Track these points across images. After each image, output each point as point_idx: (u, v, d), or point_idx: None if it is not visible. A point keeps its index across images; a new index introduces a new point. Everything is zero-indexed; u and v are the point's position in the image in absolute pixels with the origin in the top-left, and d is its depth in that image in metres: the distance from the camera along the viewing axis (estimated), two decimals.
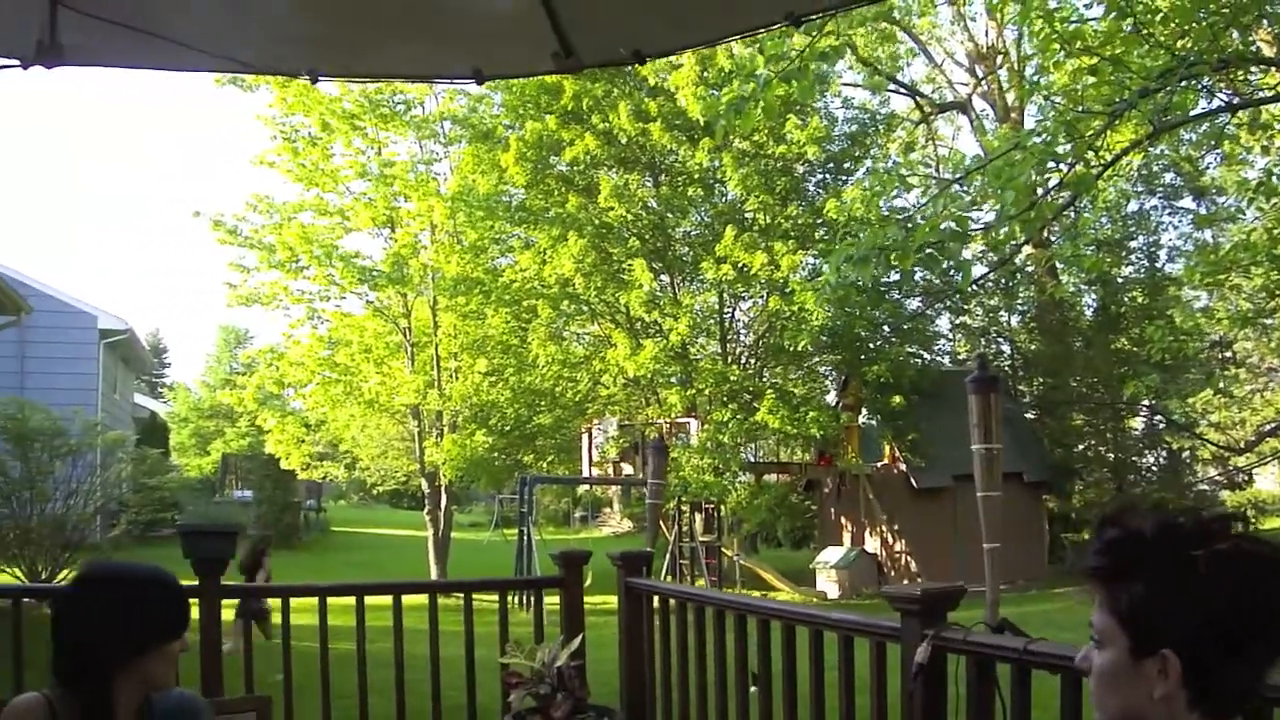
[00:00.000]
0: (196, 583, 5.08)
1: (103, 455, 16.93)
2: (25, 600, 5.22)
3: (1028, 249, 25.96)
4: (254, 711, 2.99)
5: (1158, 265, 25.44)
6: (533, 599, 6.00)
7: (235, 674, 5.17)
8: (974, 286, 25.87)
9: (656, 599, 5.44)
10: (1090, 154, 6.19)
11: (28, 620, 5.06)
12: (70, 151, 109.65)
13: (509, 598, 5.84)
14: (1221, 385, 23.48)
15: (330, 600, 5.48)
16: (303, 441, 23.12)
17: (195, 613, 5.04)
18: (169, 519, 18.99)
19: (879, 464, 23.99)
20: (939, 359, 27.06)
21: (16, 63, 2.60)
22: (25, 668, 4.88)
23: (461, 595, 5.75)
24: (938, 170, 24.69)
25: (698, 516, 21.91)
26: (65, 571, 15.05)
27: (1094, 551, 1.72)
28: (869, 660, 3.67)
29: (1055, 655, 2.88)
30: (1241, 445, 24.34)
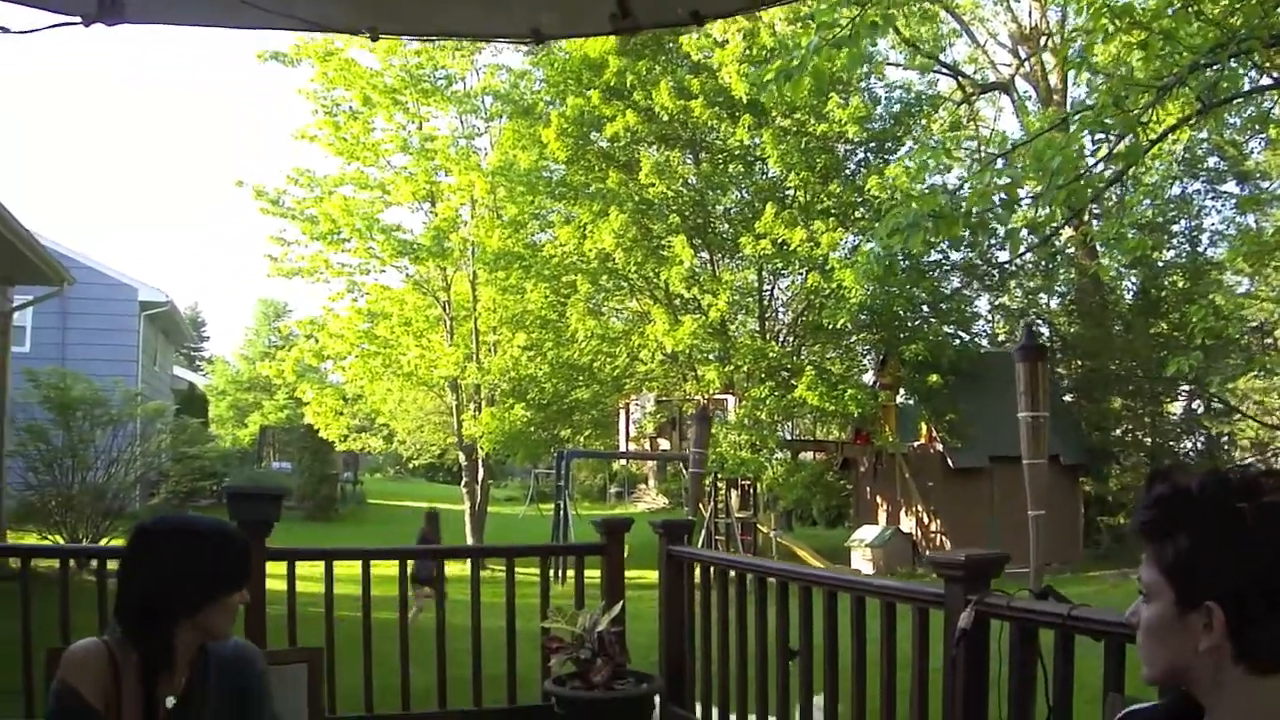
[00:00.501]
0: None
1: (143, 425, 17.11)
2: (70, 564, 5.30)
3: (1068, 230, 25.78)
4: (305, 663, 3.03)
5: (1199, 249, 25.17)
6: (571, 570, 6.03)
7: (279, 637, 5.23)
8: (1013, 266, 25.72)
9: (698, 567, 5.47)
10: (1139, 128, 6.13)
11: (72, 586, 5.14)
12: (112, 126, 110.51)
13: (549, 571, 5.87)
14: (1262, 369, 23.23)
15: (373, 569, 5.54)
16: (341, 413, 23.27)
17: None
18: (208, 488, 19.17)
19: (916, 444, 23.91)
20: (978, 339, 26.92)
21: (79, 19, 2.63)
22: (71, 632, 4.96)
23: (503, 568, 5.79)
24: (980, 150, 24.44)
25: (734, 493, 21.93)
26: (106, 539, 15.26)
27: (1143, 506, 1.74)
28: (911, 628, 3.68)
29: (1099, 620, 2.89)
30: None
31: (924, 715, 3.64)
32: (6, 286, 14.03)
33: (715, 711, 5.20)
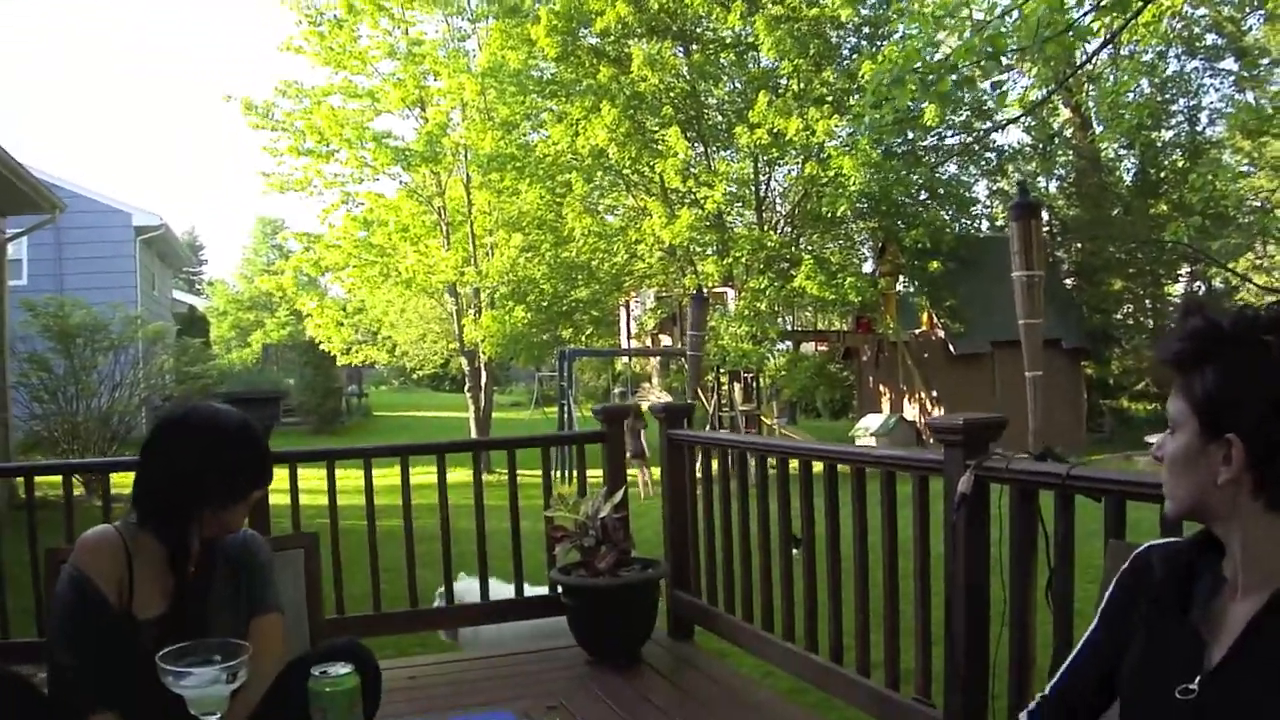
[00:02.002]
0: None
1: (144, 348, 17.08)
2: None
3: (1065, 112, 25.46)
4: (301, 548, 3.05)
5: (1198, 129, 24.89)
6: (574, 460, 6.02)
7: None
8: (1009, 149, 25.46)
9: (699, 449, 5.46)
10: None
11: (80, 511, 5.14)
12: (95, 50, 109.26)
13: (550, 464, 5.85)
14: (1262, 247, 23.12)
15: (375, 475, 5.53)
16: (342, 325, 23.25)
17: None
18: None
19: (917, 331, 23.91)
20: (976, 223, 26.77)
21: None
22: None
23: (506, 471, 5.78)
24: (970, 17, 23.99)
25: (736, 386, 21.95)
26: None
27: (1175, 338, 1.75)
28: (912, 497, 3.67)
29: (1099, 479, 2.87)
30: None
31: (926, 581, 3.64)
32: None
33: (721, 594, 5.22)
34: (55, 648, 2.43)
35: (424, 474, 5.74)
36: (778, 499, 4.68)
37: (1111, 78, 21.41)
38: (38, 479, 15.06)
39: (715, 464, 5.21)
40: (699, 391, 19.67)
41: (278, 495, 5.13)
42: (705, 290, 22.04)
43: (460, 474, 5.90)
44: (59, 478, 14.71)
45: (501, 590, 5.75)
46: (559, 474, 17.72)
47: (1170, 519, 1.83)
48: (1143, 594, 1.83)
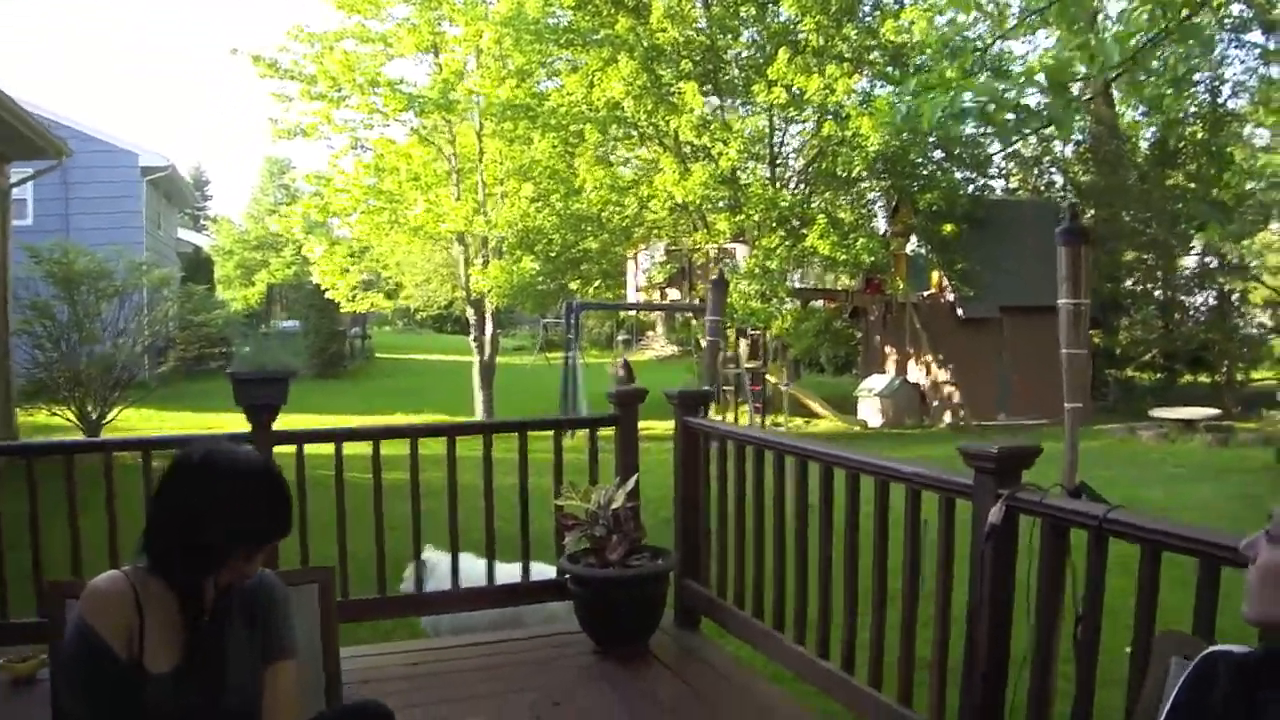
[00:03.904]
0: (249, 430, 5.07)
1: (149, 294, 17.01)
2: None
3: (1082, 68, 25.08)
4: (316, 583, 2.96)
5: (1219, 101, 24.59)
6: (582, 431, 5.93)
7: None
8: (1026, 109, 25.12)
9: (714, 440, 5.37)
10: None
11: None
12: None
13: (562, 446, 5.75)
14: None
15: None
16: (348, 270, 23.14)
17: None
18: (216, 354, 19.17)
19: (926, 293, 23.78)
20: (990, 185, 26.58)
21: None
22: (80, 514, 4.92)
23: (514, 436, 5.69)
24: None
25: (743, 343, 21.88)
26: (115, 409, 15.30)
27: None
28: (937, 514, 3.58)
29: (1137, 526, 2.78)
30: None
31: (946, 607, 3.57)
32: (3, 164, 13.76)
33: (730, 587, 5.15)
34: (63, 696, 2.37)
35: (431, 448, 5.67)
36: (795, 491, 4.59)
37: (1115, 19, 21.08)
38: (39, 418, 15.10)
39: (731, 459, 5.11)
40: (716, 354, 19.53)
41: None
42: (717, 246, 21.93)
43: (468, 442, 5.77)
44: (58, 419, 14.91)
45: (505, 571, 5.67)
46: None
47: (1248, 622, 1.76)
48: (1209, 711, 1.75)
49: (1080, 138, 26.54)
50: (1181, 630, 2.39)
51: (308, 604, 2.91)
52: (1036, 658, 3.11)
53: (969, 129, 24.08)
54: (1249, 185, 20.04)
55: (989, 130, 24.80)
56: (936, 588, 3.55)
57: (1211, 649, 1.83)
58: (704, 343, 18.49)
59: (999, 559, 3.20)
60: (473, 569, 5.58)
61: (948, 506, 3.54)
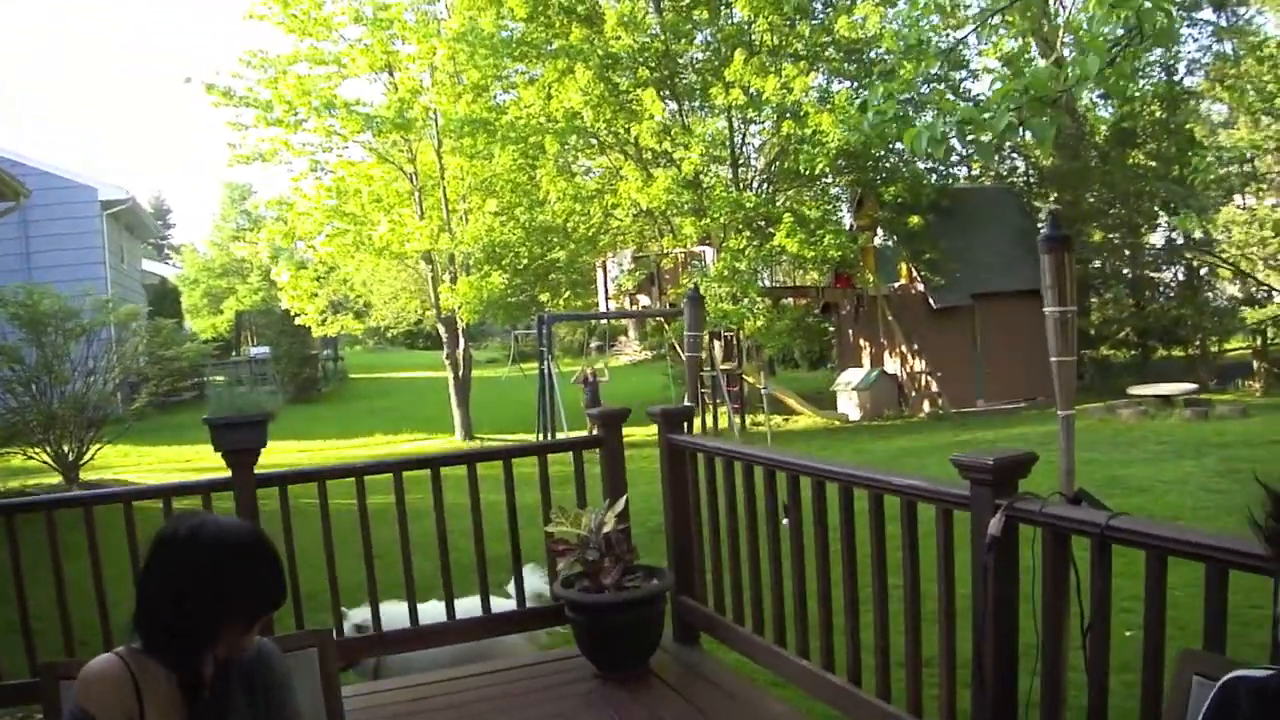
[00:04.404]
0: (230, 474, 5.02)
1: (117, 331, 16.88)
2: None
3: (1042, 60, 25.26)
4: (315, 647, 2.91)
5: (1176, 79, 24.77)
6: (562, 433, 5.90)
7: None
8: (984, 95, 25.23)
9: (701, 456, 5.34)
10: None
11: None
12: (56, 24, 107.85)
13: (547, 469, 5.72)
14: (1241, 199, 23.10)
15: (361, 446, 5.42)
16: (316, 295, 23.06)
17: (231, 504, 4.99)
18: (189, 385, 19.04)
19: (896, 285, 23.85)
20: (953, 174, 26.66)
21: None
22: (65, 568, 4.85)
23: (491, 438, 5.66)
24: None
25: (716, 345, 21.88)
26: (93, 448, 15.18)
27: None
28: (935, 530, 3.55)
29: (1139, 532, 2.75)
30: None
31: (951, 619, 3.54)
32: None
33: (729, 602, 5.12)
34: None
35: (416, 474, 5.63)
36: (786, 505, 4.57)
37: (1086, 25, 21.22)
38: (15, 461, 14.92)
39: (720, 474, 5.08)
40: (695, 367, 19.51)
41: (266, 502, 5.04)
42: (683, 251, 21.91)
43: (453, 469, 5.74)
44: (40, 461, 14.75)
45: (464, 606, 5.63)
46: (541, 436, 17.77)
47: None
48: None
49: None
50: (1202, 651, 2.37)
51: (308, 668, 2.86)
52: (1046, 663, 3.08)
53: (928, 117, 24.34)
54: (1208, 160, 20.14)
55: (946, 118, 25.05)
56: (939, 600, 3.52)
57: (1231, 675, 1.81)
58: (684, 356, 18.45)
59: (1001, 570, 3.18)
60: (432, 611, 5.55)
61: (945, 518, 3.51)
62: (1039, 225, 24.61)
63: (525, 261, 22.29)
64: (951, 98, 21.38)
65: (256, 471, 5.06)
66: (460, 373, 22.14)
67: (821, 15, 21.80)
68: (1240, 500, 1.78)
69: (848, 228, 23.64)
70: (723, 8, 21.75)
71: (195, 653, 2.30)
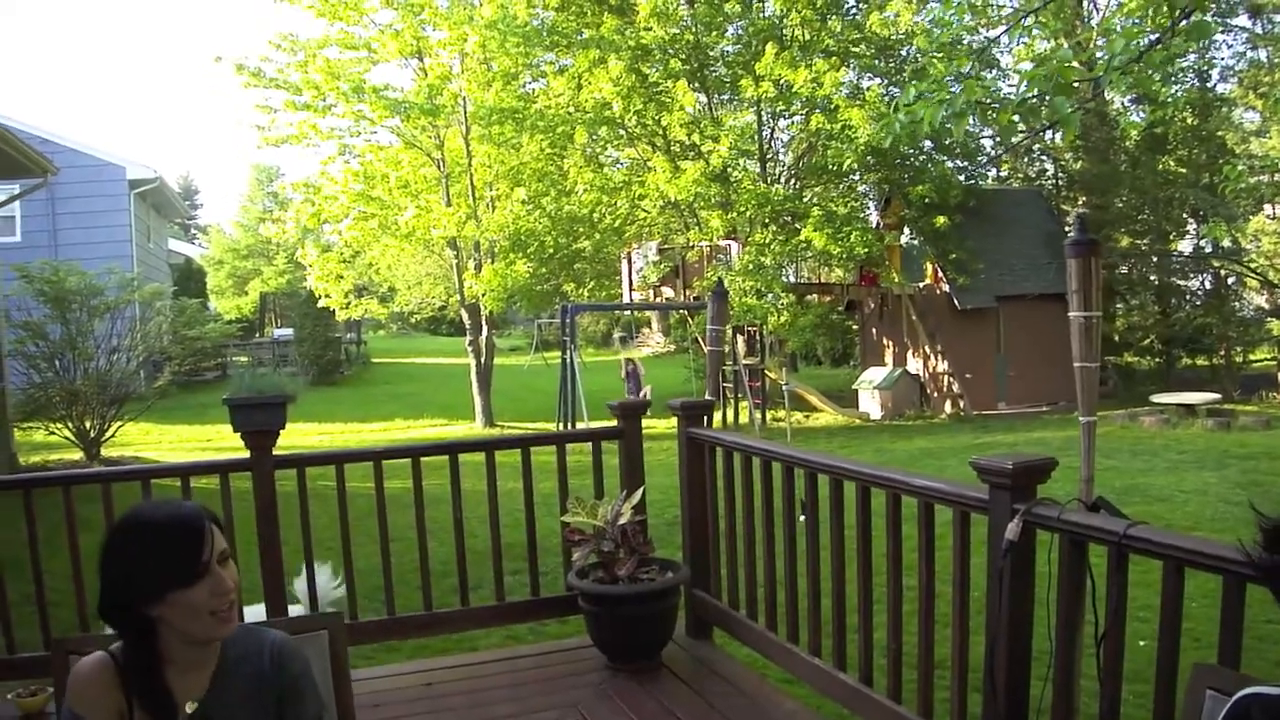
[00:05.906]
0: (248, 455, 5.04)
1: (141, 309, 16.96)
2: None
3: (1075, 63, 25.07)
4: (326, 630, 2.91)
5: (1209, 85, 24.56)
6: (582, 423, 5.90)
7: (292, 526, 5.15)
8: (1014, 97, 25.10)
9: (720, 451, 5.32)
10: None
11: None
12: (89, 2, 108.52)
13: (565, 457, 5.72)
14: (1272, 208, 22.89)
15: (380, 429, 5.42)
16: (341, 277, 23.11)
17: (249, 484, 5.00)
18: (213, 365, 19.11)
19: (921, 284, 23.74)
20: (982, 174, 26.51)
21: None
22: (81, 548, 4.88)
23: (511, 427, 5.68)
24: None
25: (739, 339, 21.82)
26: (115, 425, 15.28)
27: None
28: (952, 533, 3.53)
29: (1157, 542, 2.73)
30: None
31: (964, 621, 3.53)
32: None
33: (743, 597, 5.12)
34: None
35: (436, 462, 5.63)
36: (803, 503, 4.56)
37: (1118, 25, 21.10)
38: (37, 436, 15.04)
39: (738, 469, 5.07)
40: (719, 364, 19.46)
41: (285, 483, 5.06)
42: (709, 244, 21.87)
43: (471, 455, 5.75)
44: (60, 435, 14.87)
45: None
46: (562, 425, 17.79)
47: None
48: None
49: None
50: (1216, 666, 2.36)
51: (319, 651, 2.85)
52: (1059, 670, 3.07)
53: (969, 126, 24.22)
54: (1239, 168, 19.98)
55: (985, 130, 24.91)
56: (953, 602, 3.51)
57: (1244, 692, 1.80)
58: (705, 350, 18.39)
59: (1017, 575, 3.16)
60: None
61: (962, 521, 3.50)
62: (1066, 229, 24.46)
63: (551, 251, 22.28)
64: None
65: (275, 453, 5.07)
66: (482, 360, 22.14)
67: (855, 11, 21.73)
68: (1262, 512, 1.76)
69: (875, 225, 23.55)
70: (755, 1, 21.70)
71: (132, 633, 2.26)
